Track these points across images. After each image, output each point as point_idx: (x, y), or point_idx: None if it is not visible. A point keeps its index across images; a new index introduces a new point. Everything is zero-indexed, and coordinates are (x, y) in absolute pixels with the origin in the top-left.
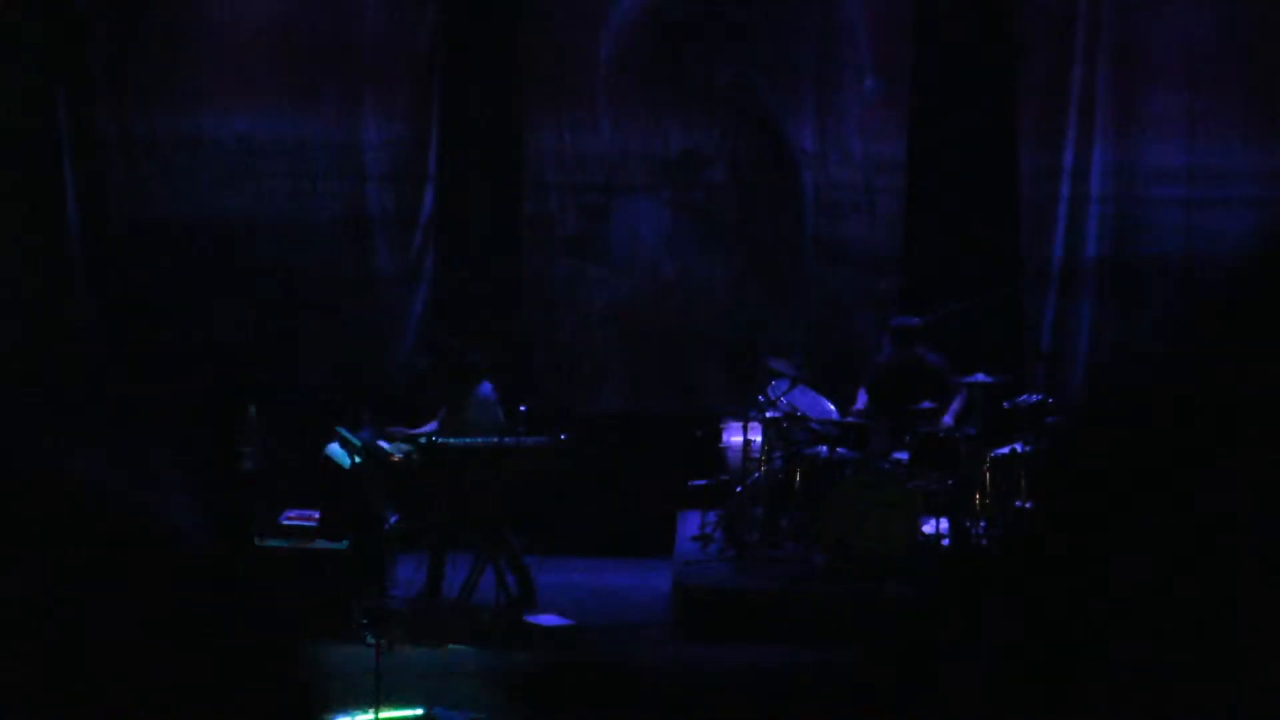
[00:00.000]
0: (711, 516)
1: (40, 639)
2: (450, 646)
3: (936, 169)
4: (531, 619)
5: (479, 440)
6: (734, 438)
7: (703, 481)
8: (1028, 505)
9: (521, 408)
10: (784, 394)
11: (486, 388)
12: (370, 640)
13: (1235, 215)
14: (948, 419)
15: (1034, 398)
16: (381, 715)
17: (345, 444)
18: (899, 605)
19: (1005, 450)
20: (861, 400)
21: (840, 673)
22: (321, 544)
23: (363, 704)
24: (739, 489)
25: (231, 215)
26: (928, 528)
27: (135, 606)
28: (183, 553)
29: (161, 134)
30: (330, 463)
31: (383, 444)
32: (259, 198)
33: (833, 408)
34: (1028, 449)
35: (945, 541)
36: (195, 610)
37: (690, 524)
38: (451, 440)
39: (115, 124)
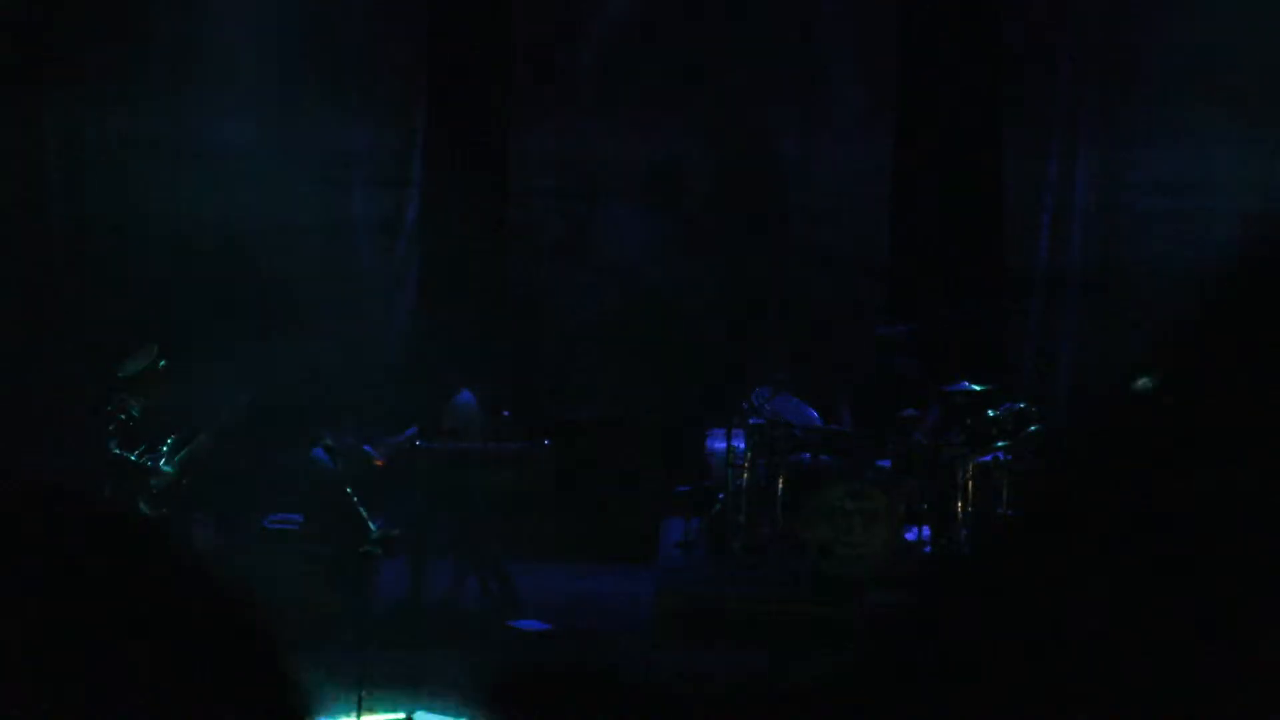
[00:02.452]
0: (695, 523)
1: (19, 641)
2: (432, 651)
3: (922, 177)
4: (513, 624)
5: (461, 446)
6: (718, 444)
7: (686, 488)
8: (1009, 512)
9: (505, 413)
10: (768, 401)
11: (466, 395)
12: (353, 644)
13: (1218, 225)
14: (918, 436)
15: (1017, 405)
16: (363, 718)
17: (329, 448)
18: (881, 613)
19: (988, 458)
20: (846, 422)
21: (822, 680)
22: (305, 548)
23: (345, 708)
24: (722, 495)
25: (216, 220)
26: (910, 535)
27: (116, 609)
28: (166, 554)
29: (147, 139)
30: (314, 467)
31: (366, 448)
32: (244, 203)
33: (816, 415)
34: (1010, 457)
35: (927, 549)
36: (179, 613)
37: (674, 530)
38: (434, 445)
39: (100, 128)
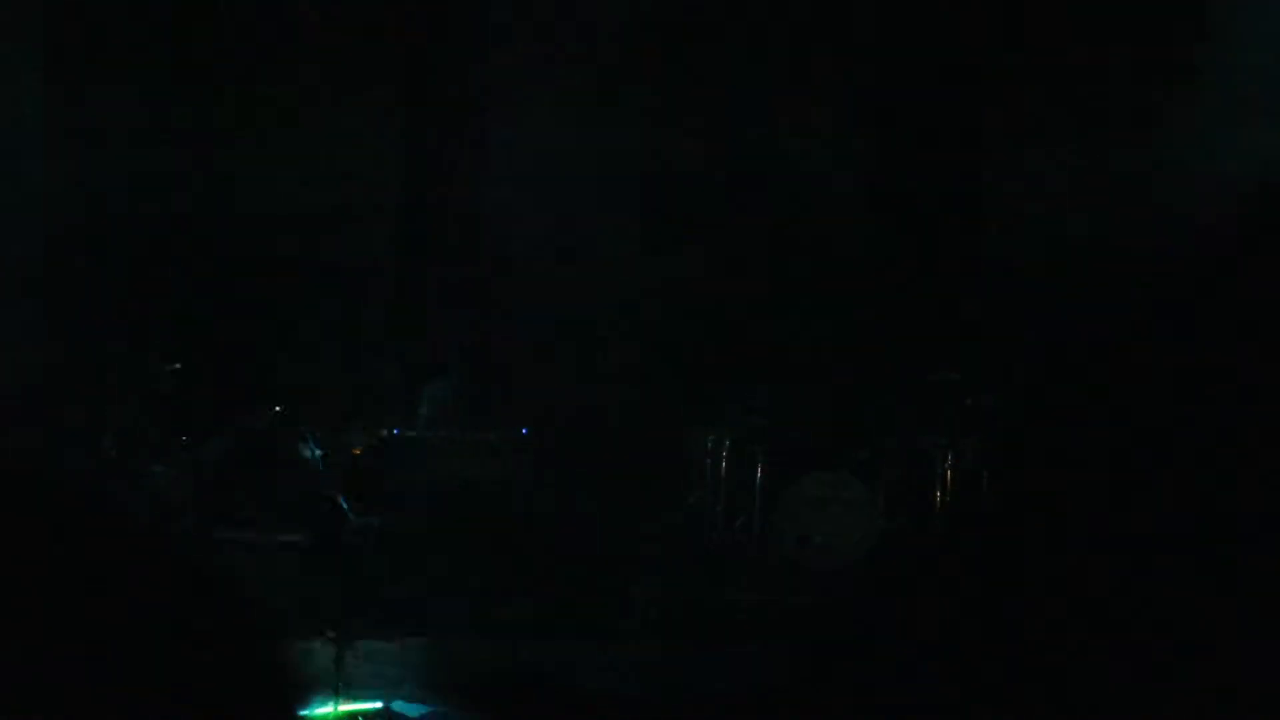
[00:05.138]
0: (674, 514)
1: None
2: (410, 639)
3: (900, 167)
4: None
5: (438, 434)
6: (695, 435)
7: (665, 479)
8: (982, 504)
9: (484, 403)
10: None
11: (443, 384)
12: (329, 633)
13: (1189, 215)
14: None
15: (994, 396)
16: (340, 708)
17: (308, 436)
18: (855, 607)
19: (965, 448)
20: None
21: (798, 674)
22: (282, 536)
23: (321, 697)
24: (700, 486)
25: (194, 207)
26: (888, 525)
27: (99, 599)
28: (146, 545)
29: (135, 125)
30: (293, 454)
31: (344, 436)
32: (220, 189)
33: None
34: (987, 447)
35: (905, 539)
36: (162, 604)
37: (652, 521)
38: (411, 434)
39: (91, 114)
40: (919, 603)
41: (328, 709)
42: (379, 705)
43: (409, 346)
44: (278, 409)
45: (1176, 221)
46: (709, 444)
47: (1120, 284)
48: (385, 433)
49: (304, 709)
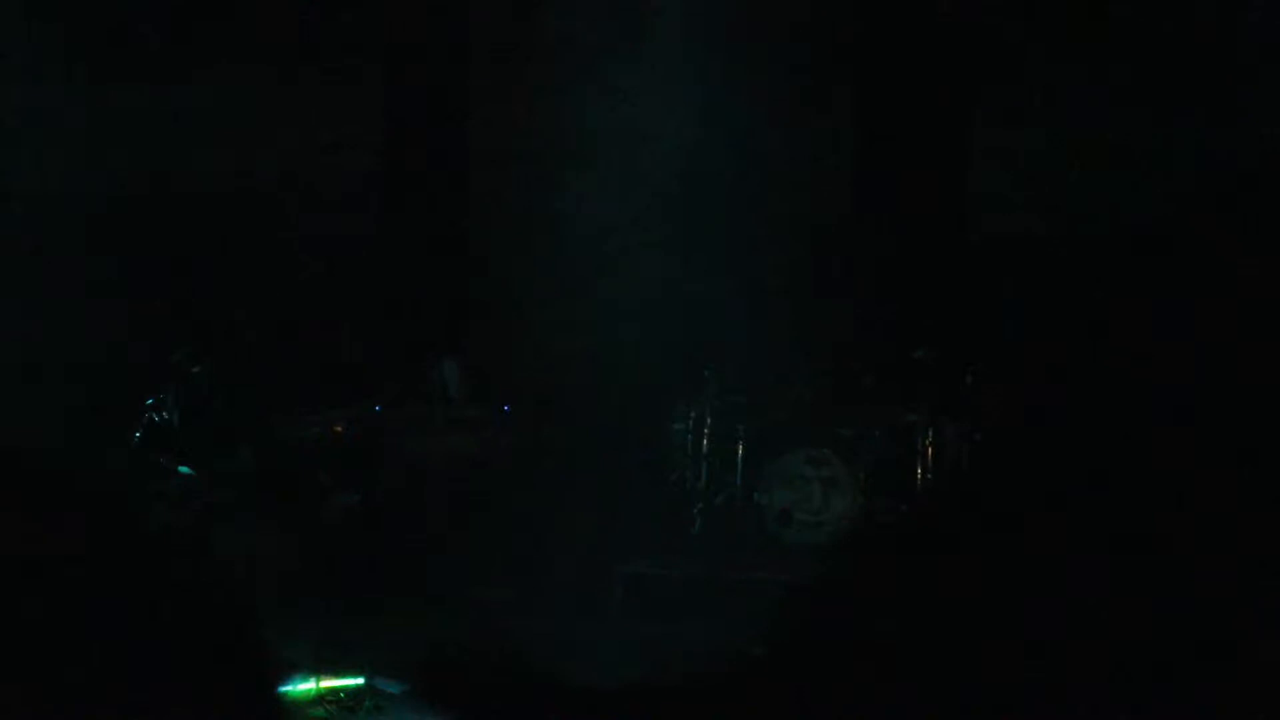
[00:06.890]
0: (657, 493)
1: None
2: (391, 616)
3: (885, 145)
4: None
5: (419, 411)
6: (678, 412)
7: (648, 457)
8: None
9: (469, 383)
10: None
11: (449, 362)
12: (313, 611)
13: (1170, 193)
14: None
15: (978, 375)
16: (322, 685)
17: (292, 418)
18: (836, 585)
19: (945, 426)
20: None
21: (777, 650)
22: (266, 516)
23: (304, 674)
24: (683, 463)
25: (178, 184)
26: (868, 503)
27: (87, 579)
28: (132, 523)
29: (116, 103)
30: (277, 434)
31: (327, 415)
32: (205, 166)
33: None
34: (968, 426)
35: (888, 519)
36: (146, 584)
37: (635, 498)
38: (393, 412)
39: (72, 94)
40: (899, 578)
41: (310, 685)
42: (360, 682)
43: (394, 326)
44: (318, 429)
45: (1157, 205)
46: (691, 421)
47: (1099, 265)
48: (367, 411)
49: (286, 686)
